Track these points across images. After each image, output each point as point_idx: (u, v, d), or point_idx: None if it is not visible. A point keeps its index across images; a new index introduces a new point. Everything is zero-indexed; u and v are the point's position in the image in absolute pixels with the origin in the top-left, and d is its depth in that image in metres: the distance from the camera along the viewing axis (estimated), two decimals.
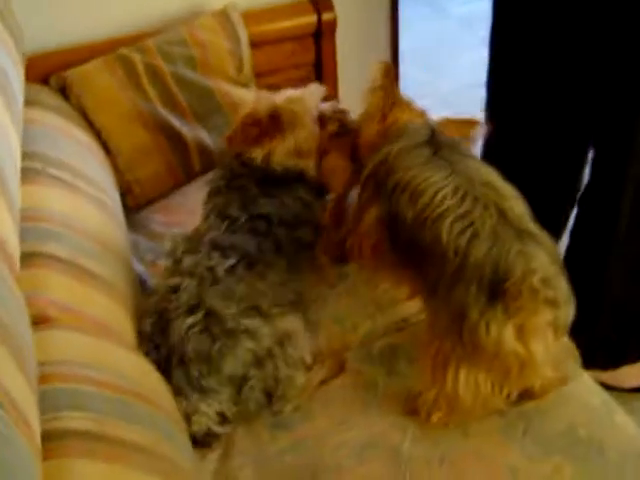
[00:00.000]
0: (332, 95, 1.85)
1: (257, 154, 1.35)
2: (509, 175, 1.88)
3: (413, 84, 2.84)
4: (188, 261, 1.26)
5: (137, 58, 1.73)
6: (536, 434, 1.14)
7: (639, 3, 1.43)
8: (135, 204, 1.75)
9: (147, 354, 1.19)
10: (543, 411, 1.18)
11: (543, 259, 1.03)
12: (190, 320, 1.18)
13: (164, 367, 1.18)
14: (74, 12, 1.80)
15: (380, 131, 1.28)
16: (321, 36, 1.98)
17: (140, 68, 1.73)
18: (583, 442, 1.15)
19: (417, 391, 1.17)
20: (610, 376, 1.87)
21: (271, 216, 1.33)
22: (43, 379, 0.94)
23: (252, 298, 1.24)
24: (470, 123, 1.33)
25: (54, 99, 1.70)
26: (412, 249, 1.14)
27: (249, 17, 1.89)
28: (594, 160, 1.73)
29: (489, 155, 1.97)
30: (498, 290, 1.01)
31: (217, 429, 1.21)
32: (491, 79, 1.87)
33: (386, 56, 2.30)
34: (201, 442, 1.19)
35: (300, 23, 1.97)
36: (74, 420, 0.91)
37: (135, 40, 1.79)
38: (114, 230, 1.45)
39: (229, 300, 1.21)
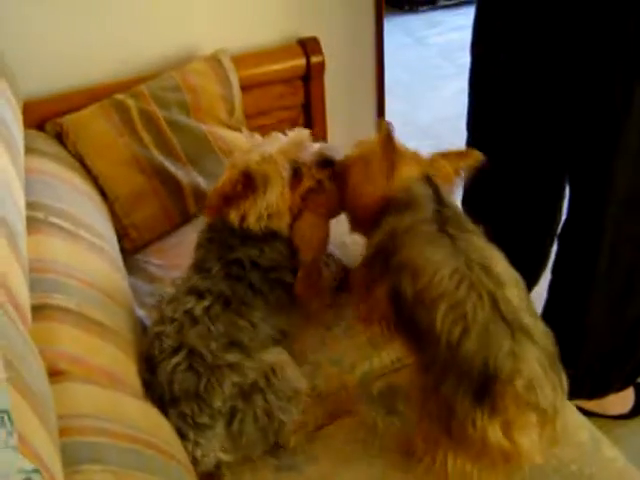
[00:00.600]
0: (320, 136, 1.91)
1: (233, 216, 1.36)
2: (488, 210, 1.97)
3: (392, 115, 2.91)
4: (169, 309, 1.31)
5: (132, 104, 1.78)
6: (530, 471, 1.18)
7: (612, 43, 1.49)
8: (132, 247, 1.78)
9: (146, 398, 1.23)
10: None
11: (532, 361, 1.02)
12: (174, 360, 1.23)
13: (160, 409, 1.22)
14: (68, 58, 1.85)
15: (385, 192, 1.27)
16: (310, 78, 2.03)
17: (135, 114, 1.77)
18: (574, 477, 1.20)
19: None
20: (596, 404, 1.93)
21: (244, 261, 1.36)
22: (61, 433, 0.98)
23: (231, 334, 1.28)
24: (463, 155, 1.34)
25: (51, 145, 1.73)
26: (412, 326, 1.14)
27: (239, 61, 1.94)
28: (571, 196, 1.77)
29: (469, 189, 2.03)
30: (485, 389, 1.01)
31: (224, 457, 1.24)
32: (470, 117, 1.93)
33: (373, 92, 2.36)
34: (215, 475, 1.24)
35: (289, 66, 2.02)
36: (95, 474, 0.94)
37: (128, 85, 1.83)
38: (115, 277, 1.48)
39: (208, 338, 1.26)
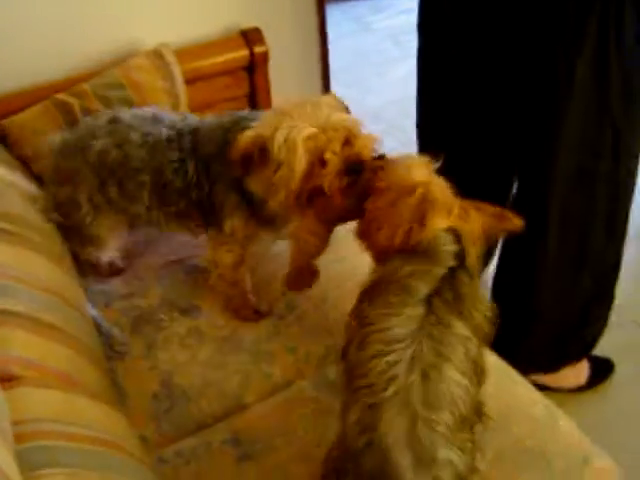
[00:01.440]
0: None
1: (238, 172, 1.39)
2: None
3: (344, 101, 2.92)
4: None
5: (75, 103, 1.75)
6: (487, 449, 1.20)
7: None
8: None
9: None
10: (492, 429, 1.21)
11: None
12: None
13: None
14: (5, 60, 1.80)
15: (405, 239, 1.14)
16: (254, 69, 2.03)
17: (78, 113, 1.74)
18: (530, 452, 1.23)
19: None
20: (551, 378, 1.97)
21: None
22: (16, 439, 0.97)
23: None
24: (501, 218, 1.21)
25: None
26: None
27: (182, 54, 1.92)
28: (519, 177, 1.81)
29: None
30: None
31: None
32: (420, 97, 1.96)
33: (318, 79, 2.36)
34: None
35: (233, 57, 2.00)
36: (53, 477, 0.94)
37: (70, 84, 1.80)
38: (65, 278, 1.46)
39: None
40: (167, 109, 1.77)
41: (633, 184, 1.73)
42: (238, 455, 1.29)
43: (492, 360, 1.41)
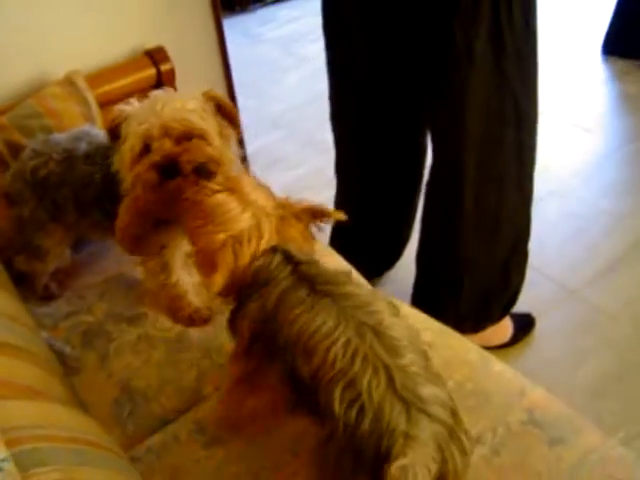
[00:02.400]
0: None
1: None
2: (357, 171, 2.13)
3: (245, 111, 3.01)
4: None
5: None
6: None
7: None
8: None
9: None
10: None
11: (426, 440, 0.98)
12: None
13: None
14: None
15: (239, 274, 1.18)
16: (162, 86, 2.09)
17: (1, 146, 1.79)
18: (472, 394, 1.35)
19: None
20: (479, 338, 2.10)
21: None
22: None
23: None
24: (320, 214, 1.26)
25: None
26: (312, 404, 1.07)
27: (92, 80, 1.99)
28: (433, 146, 1.92)
29: (337, 157, 2.19)
30: (379, 469, 0.98)
31: None
32: (332, 91, 2.09)
33: (224, 91, 2.46)
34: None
35: (141, 77, 2.08)
36: (43, 475, 1.00)
37: None
38: (12, 302, 1.51)
39: None
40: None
41: (535, 148, 1.89)
42: (206, 441, 1.36)
43: (424, 318, 1.55)
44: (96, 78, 2.02)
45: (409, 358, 1.03)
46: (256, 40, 4.32)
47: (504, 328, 2.20)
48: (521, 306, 2.23)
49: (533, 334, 2.23)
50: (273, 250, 1.18)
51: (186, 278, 1.65)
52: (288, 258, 1.17)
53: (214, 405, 1.43)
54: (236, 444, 1.34)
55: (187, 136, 1.35)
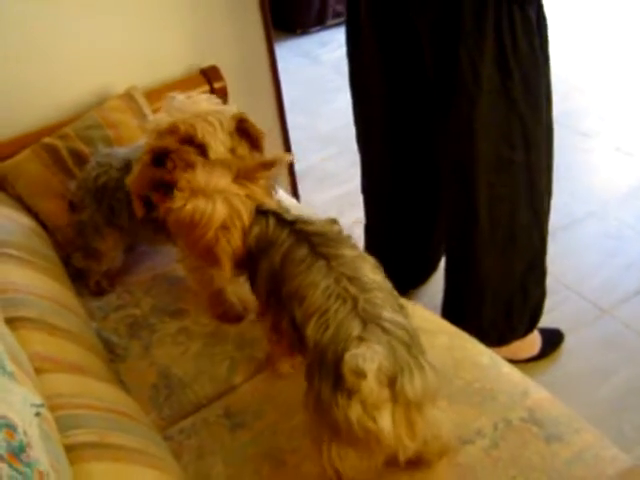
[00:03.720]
0: None
1: None
2: (385, 198, 2.25)
3: (297, 128, 3.17)
4: None
5: (60, 145, 1.96)
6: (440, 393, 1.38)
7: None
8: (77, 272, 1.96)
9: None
10: (443, 374, 1.41)
11: (378, 344, 1.09)
12: None
13: None
14: None
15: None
16: None
17: (64, 153, 1.96)
18: (478, 392, 1.44)
19: None
20: (506, 351, 2.15)
21: None
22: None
23: None
24: (267, 166, 1.39)
25: None
26: (302, 341, 1.23)
27: (150, 95, 2.15)
28: (446, 171, 2.01)
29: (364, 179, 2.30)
30: (339, 373, 1.08)
31: None
32: (355, 116, 2.21)
33: (274, 108, 2.61)
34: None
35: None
36: (81, 436, 1.14)
37: (54, 129, 2.02)
38: (66, 293, 1.67)
39: None
40: None
41: (548, 170, 1.95)
42: (231, 425, 1.49)
43: (441, 322, 1.65)
44: (154, 93, 2.17)
45: (377, 295, 1.18)
46: (314, 61, 4.49)
47: (532, 342, 2.26)
48: (551, 322, 2.31)
49: (561, 349, 2.29)
50: (264, 214, 1.33)
51: (223, 277, 1.79)
52: (280, 220, 1.32)
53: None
54: (258, 428, 1.46)
55: (188, 139, 1.51)
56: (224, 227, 1.31)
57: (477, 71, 1.71)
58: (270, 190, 1.45)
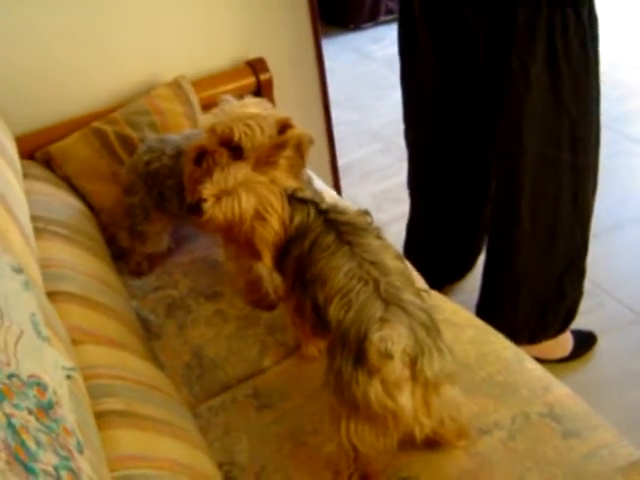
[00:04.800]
0: None
1: None
2: (430, 192, 2.29)
3: (346, 124, 3.21)
4: None
5: (108, 129, 2.04)
6: (462, 384, 1.38)
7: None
8: (119, 252, 2.03)
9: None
10: (466, 366, 1.49)
11: (400, 325, 1.14)
12: None
13: None
14: (49, 97, 2.11)
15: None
16: (261, 94, 2.29)
17: (112, 137, 2.03)
18: (500, 385, 1.46)
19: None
20: (538, 351, 2.16)
21: None
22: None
23: None
24: (280, 145, 1.41)
25: (42, 171, 2.00)
26: (325, 324, 1.27)
27: (197, 85, 2.21)
28: (494, 167, 2.06)
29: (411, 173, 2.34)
30: (361, 352, 1.13)
31: None
32: (405, 112, 2.24)
33: (319, 103, 2.65)
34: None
35: (241, 85, 2.28)
36: (112, 404, 1.20)
37: (104, 114, 2.09)
38: (109, 271, 1.75)
39: None
40: None
41: (594, 172, 1.96)
42: (258, 405, 1.54)
43: (468, 316, 1.67)
44: (201, 83, 2.24)
45: (398, 278, 1.22)
46: (366, 57, 4.52)
47: (564, 343, 2.26)
48: (585, 325, 2.31)
49: (593, 352, 2.29)
50: (304, 203, 1.36)
51: (261, 266, 1.84)
52: (319, 211, 1.35)
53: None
54: (283, 409, 1.51)
55: (226, 142, 1.56)
56: (259, 217, 1.33)
57: (527, 72, 1.74)
58: (294, 172, 1.45)
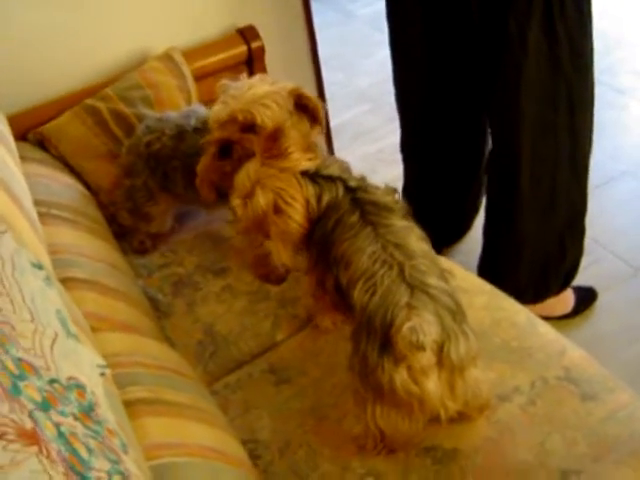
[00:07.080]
0: None
1: None
2: (422, 153, 2.28)
3: (333, 85, 3.16)
4: None
5: (101, 106, 2.00)
6: (480, 352, 1.37)
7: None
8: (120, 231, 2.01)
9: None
10: (481, 333, 1.47)
11: (426, 311, 1.15)
12: None
13: None
14: (37, 75, 2.06)
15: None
16: (252, 62, 2.27)
17: (106, 114, 1.99)
18: (515, 351, 1.48)
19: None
20: (541, 308, 2.16)
21: None
22: None
23: None
24: (272, 137, 1.35)
25: (36, 152, 1.96)
26: (348, 304, 1.28)
27: (188, 55, 2.17)
28: (491, 130, 2.05)
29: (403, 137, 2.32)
30: (387, 338, 1.14)
31: None
32: (395, 77, 2.22)
33: (310, 66, 2.61)
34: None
35: (233, 54, 2.24)
36: (136, 392, 1.20)
37: (95, 90, 2.05)
38: (115, 253, 1.73)
39: None
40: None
41: (589, 132, 1.97)
42: (276, 380, 1.54)
43: (479, 283, 1.68)
44: (192, 54, 2.20)
45: (422, 262, 1.22)
46: (348, 16, 4.44)
47: (566, 300, 2.29)
48: (585, 281, 2.33)
49: (594, 308, 2.32)
50: (332, 180, 1.34)
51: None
52: (347, 188, 1.33)
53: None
54: (302, 384, 1.52)
55: (248, 127, 1.51)
56: (277, 211, 1.32)
57: (524, 36, 1.73)
58: (309, 150, 1.40)
